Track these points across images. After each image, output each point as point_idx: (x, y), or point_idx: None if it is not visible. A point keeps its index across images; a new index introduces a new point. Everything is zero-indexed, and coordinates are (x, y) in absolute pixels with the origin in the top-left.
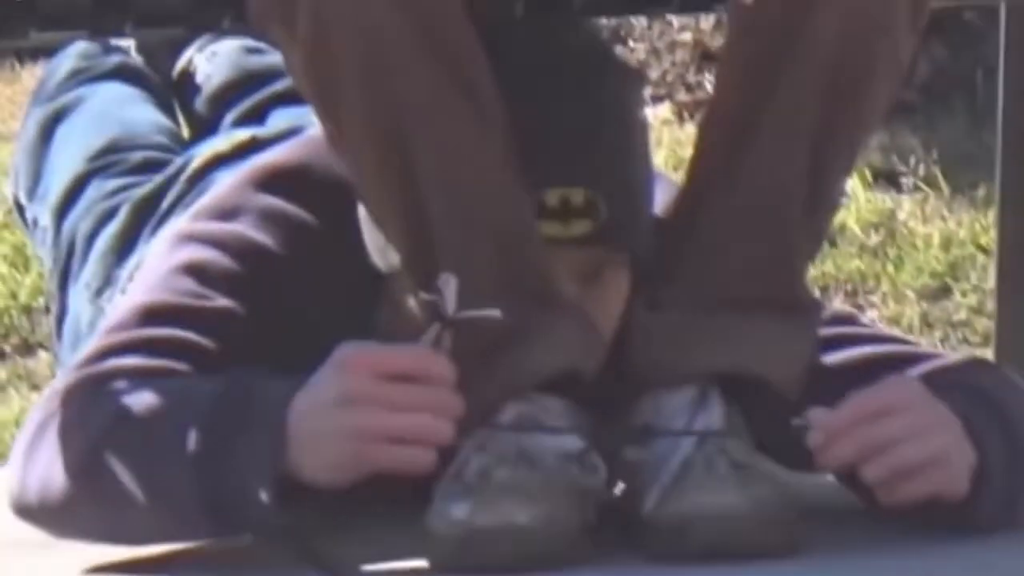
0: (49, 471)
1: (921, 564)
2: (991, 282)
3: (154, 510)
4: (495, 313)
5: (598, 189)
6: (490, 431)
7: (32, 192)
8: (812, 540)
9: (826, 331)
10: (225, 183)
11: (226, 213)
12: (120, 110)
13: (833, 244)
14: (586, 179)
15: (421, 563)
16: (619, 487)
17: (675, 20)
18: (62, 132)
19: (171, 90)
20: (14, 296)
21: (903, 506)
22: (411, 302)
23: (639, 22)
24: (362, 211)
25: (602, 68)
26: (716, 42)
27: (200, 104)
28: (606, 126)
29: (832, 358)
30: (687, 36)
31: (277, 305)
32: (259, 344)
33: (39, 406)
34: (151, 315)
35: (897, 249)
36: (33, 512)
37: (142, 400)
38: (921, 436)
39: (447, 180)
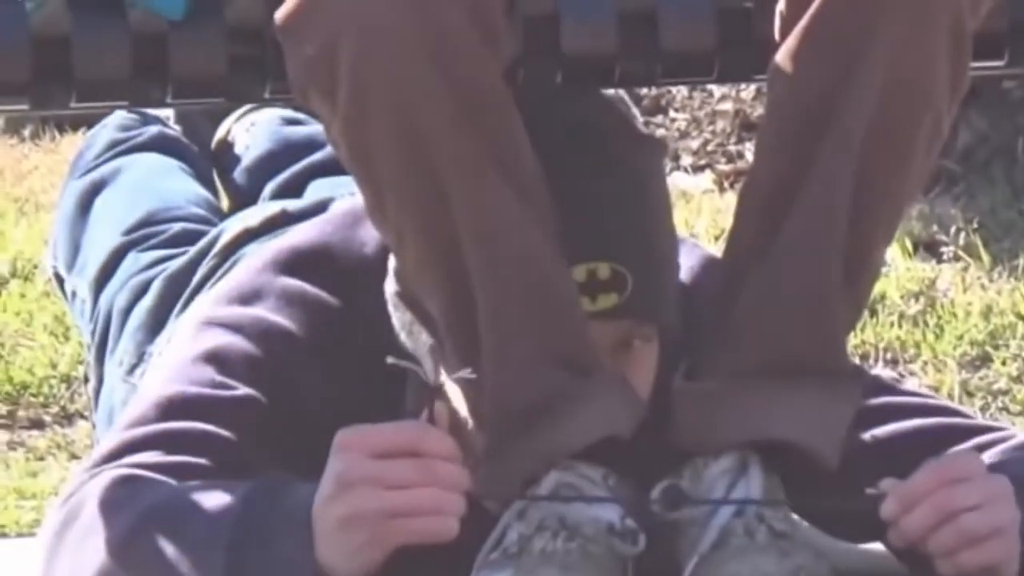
0: None
1: None
2: None
3: None
4: (470, 374)
5: (624, 262)
6: (530, 500)
7: (71, 265)
8: None
9: (872, 401)
10: (246, 266)
11: (246, 297)
12: (157, 182)
13: (873, 313)
14: (611, 253)
15: None
16: (658, 554)
17: (716, 90)
18: (99, 205)
19: (210, 160)
20: (54, 366)
21: None
22: (440, 379)
23: (679, 92)
24: (388, 290)
25: (623, 138)
26: (757, 112)
27: (239, 175)
28: (630, 198)
29: (881, 431)
30: (728, 106)
31: (300, 388)
32: (282, 429)
33: (56, 508)
34: (170, 408)
35: (937, 318)
36: None
37: (163, 508)
38: (988, 506)
39: (487, 250)
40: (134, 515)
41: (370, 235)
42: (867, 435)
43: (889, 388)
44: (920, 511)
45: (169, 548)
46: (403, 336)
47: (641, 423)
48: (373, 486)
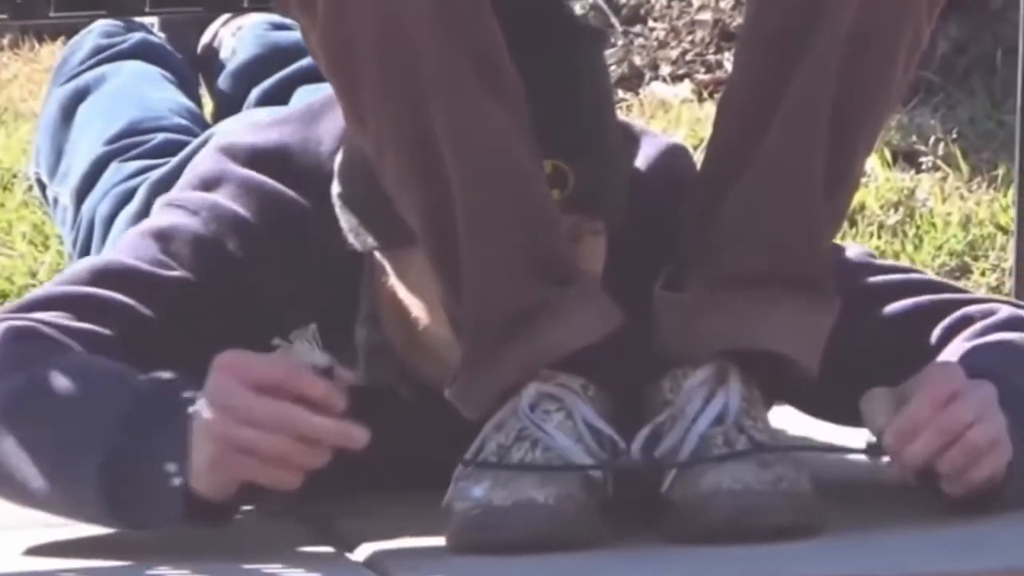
0: None
1: (939, 541)
2: (1010, 261)
3: (55, 496)
4: (351, 376)
5: (564, 158)
6: (509, 411)
7: (53, 171)
8: (831, 518)
9: (859, 283)
10: (209, 154)
11: (208, 183)
12: (139, 91)
13: (852, 223)
14: (552, 150)
15: (440, 541)
16: (638, 465)
17: None
18: (83, 112)
19: (195, 66)
20: (33, 274)
21: (966, 493)
22: (390, 282)
23: (659, 1)
24: (335, 192)
25: (560, 34)
26: (736, 21)
27: (225, 80)
28: (568, 94)
29: (875, 316)
30: (707, 15)
31: (252, 278)
32: (222, 316)
33: None
34: (102, 275)
35: (916, 228)
36: None
37: (55, 379)
38: (984, 419)
39: (467, 158)
40: (24, 377)
41: (327, 131)
42: (860, 320)
43: (870, 268)
44: (925, 438)
45: (54, 424)
46: (351, 237)
47: (622, 332)
48: (226, 414)
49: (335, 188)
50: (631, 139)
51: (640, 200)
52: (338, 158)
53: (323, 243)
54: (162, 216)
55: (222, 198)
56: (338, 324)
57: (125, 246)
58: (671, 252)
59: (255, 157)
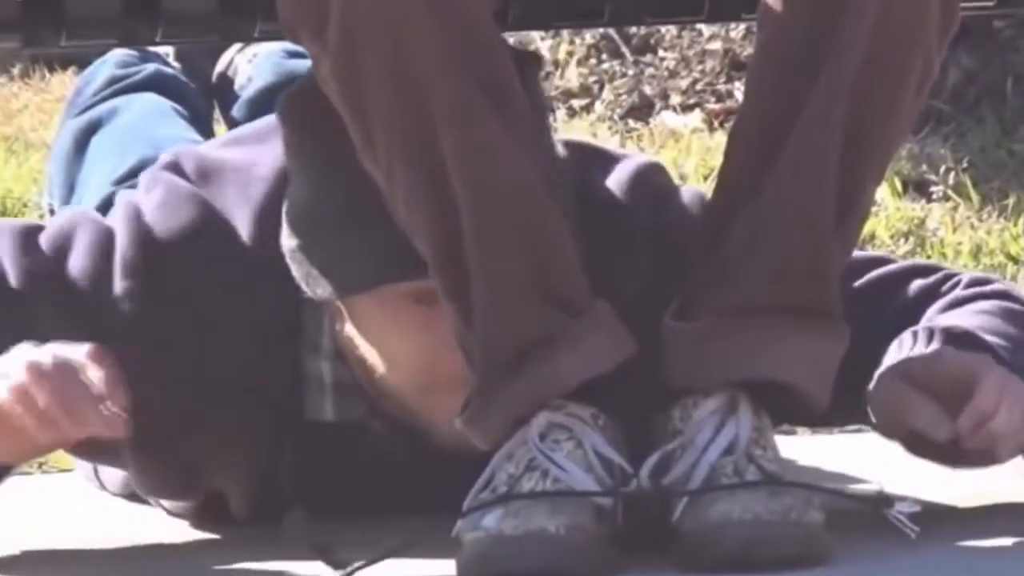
0: None
1: (948, 569)
2: (1021, 290)
3: None
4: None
5: None
6: (519, 441)
7: (66, 203)
8: (839, 549)
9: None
10: (164, 158)
11: (148, 184)
12: (150, 127)
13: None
14: None
15: (439, 568)
16: (647, 493)
17: (705, 29)
18: (95, 146)
19: (209, 95)
20: None
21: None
22: (347, 327)
23: (669, 31)
24: (285, 245)
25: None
26: (746, 51)
27: (241, 108)
28: None
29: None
30: (717, 45)
31: (129, 287)
32: (63, 317)
33: None
34: None
35: (927, 258)
36: None
37: None
38: (1007, 399)
39: (478, 186)
40: None
41: (267, 157)
42: (866, 328)
43: (854, 268)
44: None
45: None
46: (304, 286)
47: (632, 362)
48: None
49: (285, 239)
50: (608, 161)
51: (620, 220)
52: (284, 206)
53: (251, 268)
54: (104, 211)
55: (143, 202)
56: (278, 354)
57: (54, 219)
58: (658, 270)
59: (200, 168)
